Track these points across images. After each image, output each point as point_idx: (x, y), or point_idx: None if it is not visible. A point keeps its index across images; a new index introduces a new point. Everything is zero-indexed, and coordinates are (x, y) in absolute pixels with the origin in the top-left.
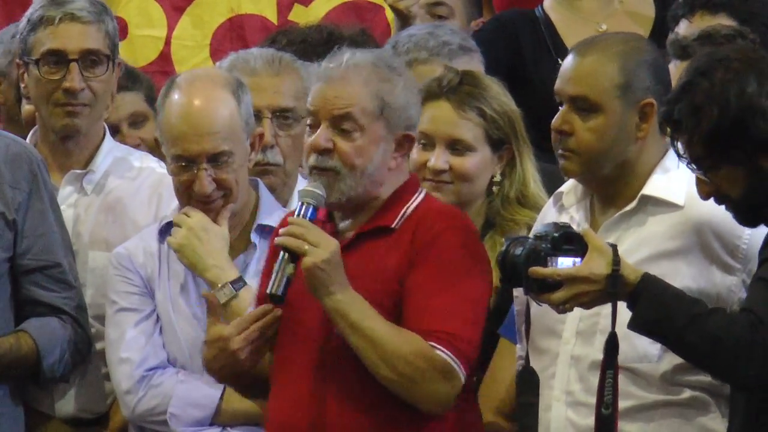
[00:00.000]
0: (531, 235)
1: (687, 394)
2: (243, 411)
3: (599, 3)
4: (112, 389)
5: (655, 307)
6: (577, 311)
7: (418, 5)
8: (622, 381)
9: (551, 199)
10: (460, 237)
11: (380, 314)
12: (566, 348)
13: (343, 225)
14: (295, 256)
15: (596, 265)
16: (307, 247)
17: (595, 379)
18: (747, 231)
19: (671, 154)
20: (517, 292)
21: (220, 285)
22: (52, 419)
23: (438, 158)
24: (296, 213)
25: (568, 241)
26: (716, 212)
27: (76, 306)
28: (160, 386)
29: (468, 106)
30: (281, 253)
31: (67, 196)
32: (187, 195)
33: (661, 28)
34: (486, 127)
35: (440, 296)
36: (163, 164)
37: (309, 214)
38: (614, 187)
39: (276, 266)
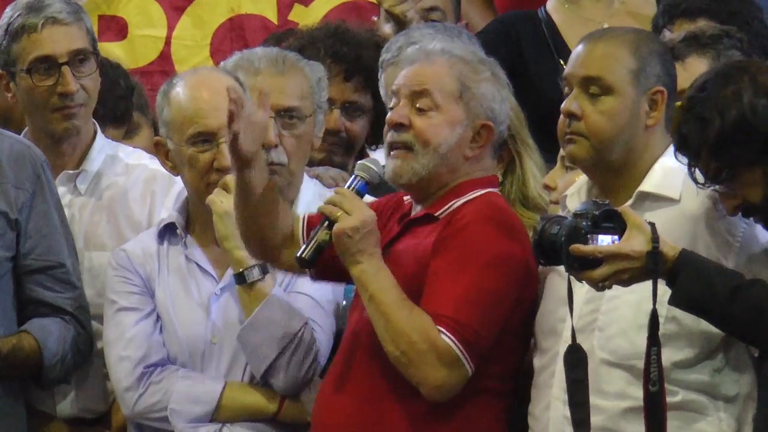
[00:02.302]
0: (574, 210)
1: (685, 395)
2: (243, 407)
3: (601, 3)
4: (114, 388)
5: (696, 281)
6: (576, 310)
7: (414, 10)
8: (621, 380)
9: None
10: (488, 229)
11: (407, 295)
12: (565, 346)
13: (413, 212)
14: (332, 224)
15: (636, 243)
16: (339, 213)
17: (592, 375)
18: (741, 227)
19: (671, 150)
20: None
21: (249, 265)
22: (54, 419)
23: None
24: (347, 184)
25: (608, 218)
26: (711, 207)
27: (79, 306)
28: (161, 382)
29: None
30: (322, 220)
31: (60, 196)
32: (207, 180)
33: None
34: None
35: (456, 283)
36: (155, 159)
37: (357, 186)
38: (616, 180)
39: (313, 232)
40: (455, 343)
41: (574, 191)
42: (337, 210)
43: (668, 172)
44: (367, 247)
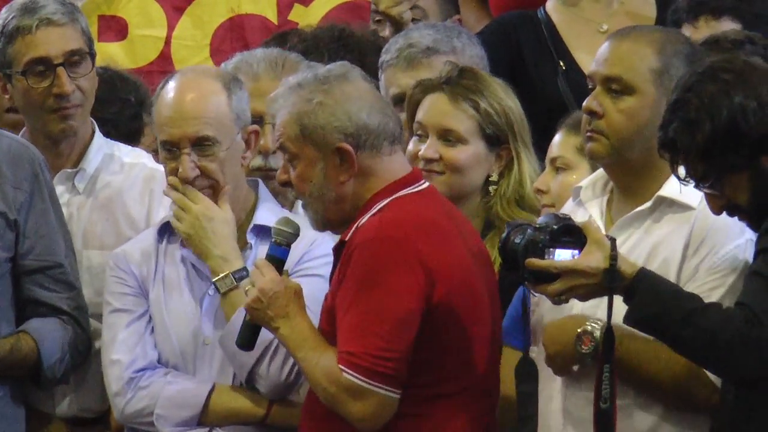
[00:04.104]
0: (535, 224)
1: None
2: (230, 411)
3: (600, 3)
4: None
5: (651, 302)
6: (581, 304)
7: (410, 11)
8: None
9: (571, 199)
10: (372, 250)
11: (327, 327)
12: None
13: None
14: None
15: (594, 259)
16: (247, 288)
17: (591, 370)
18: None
19: None
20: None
21: (222, 275)
22: (53, 419)
23: (429, 147)
24: (267, 253)
25: (568, 233)
26: (725, 218)
27: (77, 306)
28: (148, 387)
29: (463, 98)
30: None
31: (59, 196)
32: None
33: None
34: (480, 121)
35: (348, 315)
36: (153, 158)
37: (275, 252)
38: (636, 180)
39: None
40: (354, 375)
41: (589, 183)
42: (247, 284)
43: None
44: (278, 311)
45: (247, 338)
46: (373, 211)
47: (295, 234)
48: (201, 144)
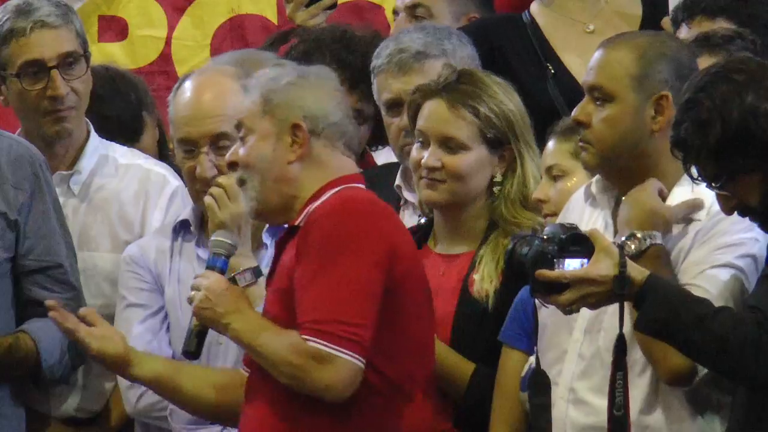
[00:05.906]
0: (542, 234)
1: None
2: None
3: (585, 3)
4: (109, 389)
5: (661, 307)
6: (585, 310)
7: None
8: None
9: (582, 194)
10: (335, 220)
11: (280, 314)
12: (575, 346)
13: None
14: None
15: (603, 267)
16: (192, 293)
17: (596, 376)
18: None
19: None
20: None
21: (241, 269)
22: (50, 419)
23: (430, 155)
24: (207, 265)
25: (575, 242)
26: (729, 227)
27: (77, 307)
28: None
29: (462, 104)
30: None
31: None
32: (193, 188)
33: (649, 27)
34: (481, 126)
35: (310, 287)
36: (149, 159)
37: (216, 264)
38: (635, 184)
39: (188, 325)
40: (319, 342)
41: (596, 179)
42: (192, 292)
43: (696, 191)
44: (228, 307)
45: (194, 345)
46: (326, 196)
47: (234, 245)
48: (218, 142)
